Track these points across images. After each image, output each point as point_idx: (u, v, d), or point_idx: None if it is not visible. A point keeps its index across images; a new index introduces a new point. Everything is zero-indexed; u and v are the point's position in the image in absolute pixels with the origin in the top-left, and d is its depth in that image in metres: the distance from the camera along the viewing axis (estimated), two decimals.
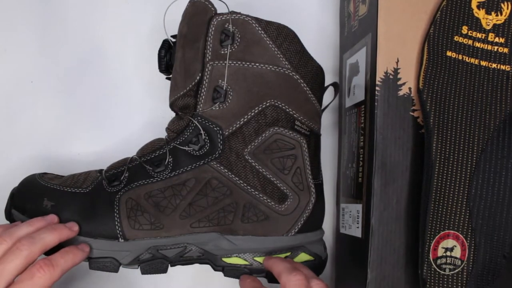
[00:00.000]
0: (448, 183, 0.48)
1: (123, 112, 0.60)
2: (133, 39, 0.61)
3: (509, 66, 0.50)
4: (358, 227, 0.53)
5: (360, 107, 0.54)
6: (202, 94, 0.49)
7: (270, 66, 0.49)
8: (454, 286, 0.48)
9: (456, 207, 0.49)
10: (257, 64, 0.49)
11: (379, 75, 0.50)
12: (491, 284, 0.49)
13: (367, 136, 0.52)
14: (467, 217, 0.49)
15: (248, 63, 0.49)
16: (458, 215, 0.49)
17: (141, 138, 0.57)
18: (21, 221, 0.48)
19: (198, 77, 0.49)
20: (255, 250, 0.49)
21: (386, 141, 0.50)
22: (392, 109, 0.50)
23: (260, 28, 0.49)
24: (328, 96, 0.55)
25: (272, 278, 0.49)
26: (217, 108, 0.49)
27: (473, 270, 0.49)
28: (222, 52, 0.48)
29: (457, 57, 0.50)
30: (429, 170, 0.48)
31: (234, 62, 0.49)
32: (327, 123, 0.62)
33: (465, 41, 0.50)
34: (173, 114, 0.53)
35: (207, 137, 0.49)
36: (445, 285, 0.48)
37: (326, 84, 0.54)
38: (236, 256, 0.49)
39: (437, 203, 0.48)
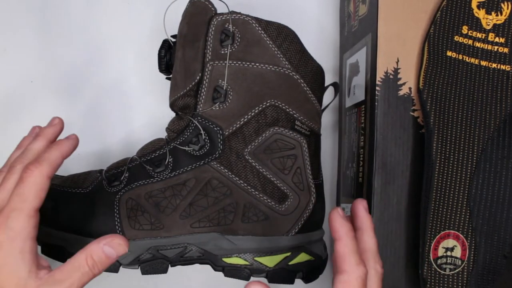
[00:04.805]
0: (448, 183, 0.48)
1: (123, 112, 0.60)
2: (133, 39, 0.61)
3: (509, 66, 0.50)
4: None
5: (360, 107, 0.54)
6: (202, 94, 0.49)
7: (270, 66, 0.49)
8: (455, 286, 0.48)
9: (456, 207, 0.49)
10: (257, 64, 0.49)
11: (379, 75, 0.50)
12: (491, 284, 0.49)
13: (367, 136, 0.52)
14: (468, 217, 0.49)
15: (248, 63, 0.49)
16: (458, 215, 0.49)
17: (141, 138, 0.57)
18: None
19: (198, 77, 0.49)
20: (256, 250, 0.49)
21: (386, 141, 0.50)
22: (392, 109, 0.50)
23: (260, 28, 0.49)
24: (328, 96, 0.55)
25: (273, 278, 0.49)
26: (217, 108, 0.49)
27: (474, 270, 0.49)
28: (222, 52, 0.48)
29: (457, 57, 0.50)
30: (429, 170, 0.48)
31: (234, 62, 0.49)
32: (327, 123, 0.62)
33: (465, 41, 0.50)
34: (173, 114, 0.53)
35: (207, 137, 0.49)
36: (445, 285, 0.48)
37: (326, 84, 0.54)
38: (237, 256, 0.49)
39: (437, 203, 0.48)
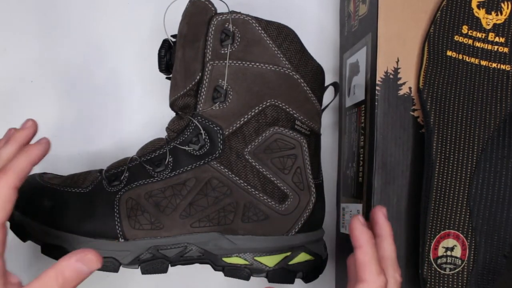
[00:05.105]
0: (448, 182, 0.48)
1: (123, 112, 0.60)
2: (133, 39, 0.61)
3: (509, 66, 0.50)
4: None
5: (360, 107, 0.54)
6: (202, 94, 0.49)
7: (270, 66, 0.49)
8: (455, 286, 0.48)
9: (456, 206, 0.49)
10: (257, 64, 0.49)
11: (379, 74, 0.50)
12: (491, 284, 0.49)
13: (367, 135, 0.52)
14: (468, 216, 0.49)
15: (248, 63, 0.49)
16: (458, 215, 0.49)
17: (141, 138, 0.57)
18: (20, 221, 0.48)
19: (198, 77, 0.49)
20: (256, 250, 0.49)
21: (386, 141, 0.50)
22: (392, 109, 0.50)
23: (260, 28, 0.49)
24: (328, 96, 0.55)
25: (273, 278, 0.49)
26: (217, 108, 0.49)
27: (474, 270, 0.49)
28: (222, 51, 0.48)
29: (457, 56, 0.50)
30: (429, 169, 0.48)
31: (234, 62, 0.49)
32: (327, 123, 0.62)
33: (465, 40, 0.50)
34: (173, 114, 0.53)
35: (207, 137, 0.49)
36: (445, 285, 0.48)
37: (326, 84, 0.54)
38: (236, 256, 0.49)
39: (437, 202, 0.48)
